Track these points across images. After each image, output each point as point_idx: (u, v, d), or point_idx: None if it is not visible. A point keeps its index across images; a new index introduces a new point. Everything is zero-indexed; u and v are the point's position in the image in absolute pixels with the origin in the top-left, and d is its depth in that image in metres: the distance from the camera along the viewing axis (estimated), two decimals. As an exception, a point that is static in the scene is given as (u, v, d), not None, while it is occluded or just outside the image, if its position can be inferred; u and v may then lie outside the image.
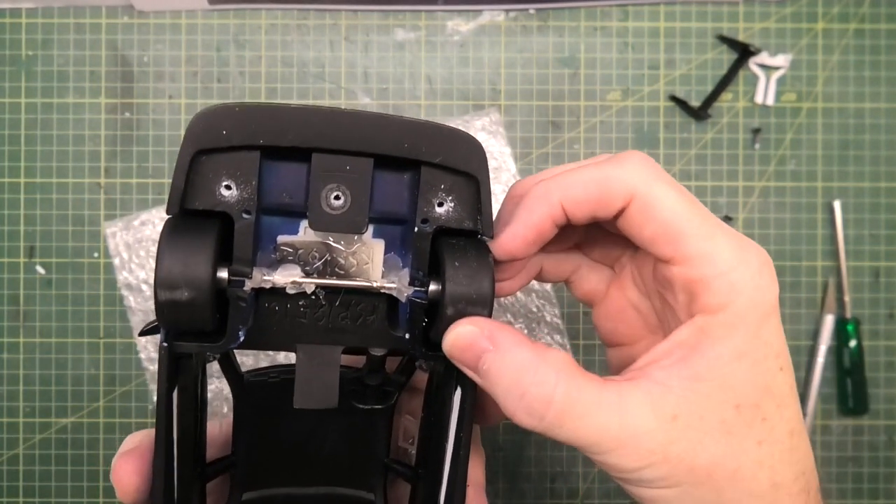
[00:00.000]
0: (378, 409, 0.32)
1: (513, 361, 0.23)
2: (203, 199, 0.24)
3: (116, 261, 0.49)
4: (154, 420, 0.26)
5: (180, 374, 0.26)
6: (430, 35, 0.50)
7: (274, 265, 0.26)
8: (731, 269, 0.24)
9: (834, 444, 0.51)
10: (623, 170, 0.25)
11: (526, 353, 0.24)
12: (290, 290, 0.25)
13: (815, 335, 0.51)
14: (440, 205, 0.26)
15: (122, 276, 0.49)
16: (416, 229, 0.26)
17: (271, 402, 0.31)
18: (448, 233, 0.26)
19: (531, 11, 0.50)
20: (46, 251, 0.49)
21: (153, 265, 0.49)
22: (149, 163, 0.49)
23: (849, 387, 0.50)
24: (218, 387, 0.49)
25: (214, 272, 0.23)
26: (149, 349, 0.49)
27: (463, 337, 0.24)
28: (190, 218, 0.24)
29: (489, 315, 0.25)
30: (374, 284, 0.26)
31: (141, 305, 0.49)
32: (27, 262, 0.49)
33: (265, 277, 0.25)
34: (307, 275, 0.26)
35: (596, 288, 0.31)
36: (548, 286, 0.50)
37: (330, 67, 0.50)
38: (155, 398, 0.48)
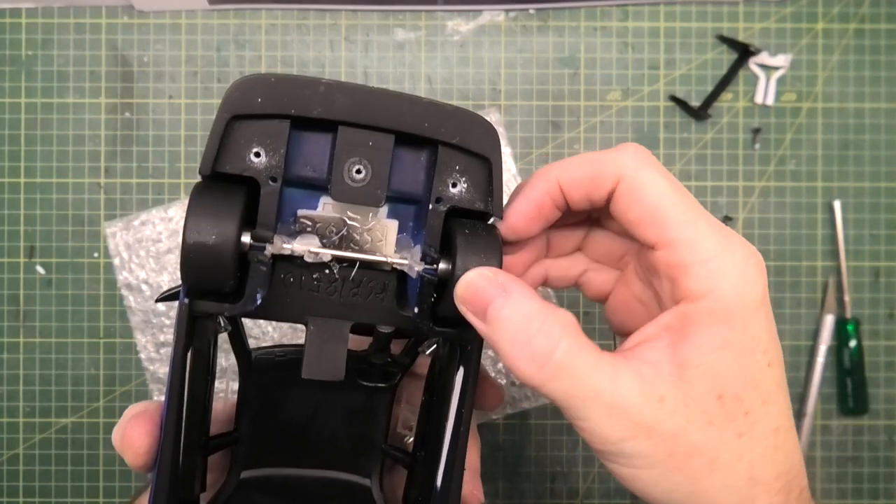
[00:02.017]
0: (380, 391, 0.33)
1: (522, 309, 0.24)
2: (233, 164, 0.25)
3: (116, 261, 0.49)
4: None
5: (196, 336, 0.26)
6: (430, 35, 0.50)
7: (293, 235, 0.27)
8: (713, 257, 0.25)
9: (834, 444, 0.51)
10: (616, 154, 0.27)
11: (536, 303, 0.24)
12: (308, 259, 0.26)
13: (815, 335, 0.51)
14: (454, 185, 0.27)
15: (122, 276, 0.49)
16: (430, 207, 0.26)
17: (277, 380, 0.32)
18: (460, 213, 0.27)
19: (531, 11, 0.50)
20: (46, 251, 0.49)
21: (153, 265, 0.49)
22: (149, 163, 0.49)
23: (849, 387, 0.50)
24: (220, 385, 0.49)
25: (240, 233, 0.24)
26: (148, 349, 0.49)
27: (476, 281, 0.25)
28: (219, 181, 0.25)
29: None
30: (388, 259, 0.27)
31: (141, 305, 0.49)
32: (27, 262, 0.49)
33: (285, 245, 0.26)
34: (324, 247, 0.27)
35: (604, 287, 0.32)
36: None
37: (330, 67, 0.50)
38: (155, 398, 0.49)
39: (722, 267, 0.24)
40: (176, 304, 0.27)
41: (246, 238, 0.25)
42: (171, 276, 0.49)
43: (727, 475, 0.24)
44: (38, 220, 0.49)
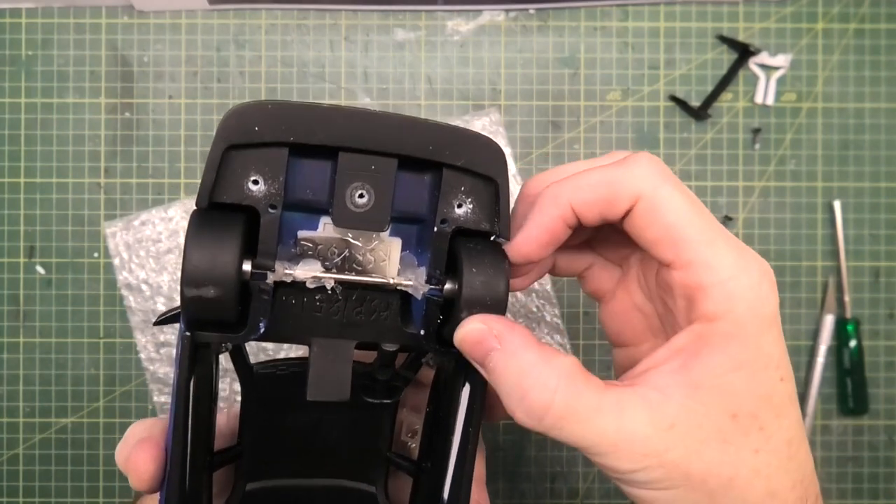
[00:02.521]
0: (384, 404, 0.32)
1: (517, 363, 0.24)
2: (231, 193, 0.24)
3: (116, 261, 0.49)
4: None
5: (198, 363, 0.26)
6: (430, 35, 0.50)
7: (294, 259, 0.26)
8: (731, 278, 0.24)
9: (834, 444, 0.51)
10: (631, 172, 0.26)
11: (531, 355, 0.24)
12: (311, 285, 0.26)
13: (815, 335, 0.51)
14: (459, 206, 0.26)
15: (122, 276, 0.49)
16: (435, 229, 0.26)
17: (279, 395, 0.32)
18: (465, 233, 0.27)
19: (531, 11, 0.50)
20: (46, 251, 0.49)
21: (153, 265, 0.49)
22: (149, 163, 0.49)
23: (849, 387, 0.50)
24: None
25: (241, 265, 0.24)
26: (148, 349, 0.49)
27: (472, 334, 0.25)
28: (216, 211, 0.24)
29: (505, 302, 0.26)
30: (392, 281, 0.26)
31: (141, 305, 0.49)
32: (27, 262, 0.49)
33: (287, 271, 0.25)
34: (326, 270, 0.26)
35: (605, 286, 0.31)
36: (548, 286, 0.50)
37: (330, 67, 0.50)
38: (154, 398, 0.49)
39: (739, 288, 0.24)
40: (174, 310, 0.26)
41: (247, 267, 0.24)
42: (171, 276, 0.49)
43: (746, 492, 0.24)
44: (38, 220, 0.49)
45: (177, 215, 0.49)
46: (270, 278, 0.25)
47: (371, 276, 0.27)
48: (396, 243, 0.27)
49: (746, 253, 0.25)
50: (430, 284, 0.26)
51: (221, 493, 0.32)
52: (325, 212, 0.26)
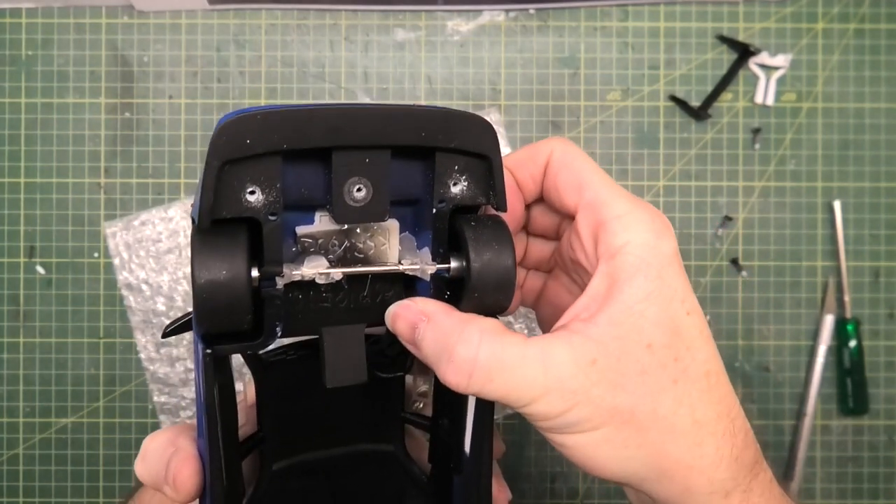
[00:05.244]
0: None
1: (441, 326, 0.26)
2: (230, 208, 0.24)
3: (116, 261, 0.49)
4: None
5: (219, 374, 0.26)
6: (430, 35, 0.50)
7: (298, 258, 0.26)
8: (627, 213, 0.27)
9: (834, 444, 0.51)
10: (547, 140, 0.30)
11: (454, 317, 0.26)
12: (320, 281, 0.26)
13: (815, 335, 0.51)
14: (455, 185, 0.27)
15: (122, 276, 0.49)
16: (434, 210, 0.27)
17: (292, 380, 0.32)
18: (462, 209, 0.27)
19: (531, 11, 0.50)
20: (46, 251, 0.49)
21: (153, 265, 0.49)
22: (149, 163, 0.49)
23: (849, 387, 0.50)
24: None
25: (250, 270, 0.24)
26: (148, 349, 0.49)
27: (398, 313, 0.27)
28: (217, 227, 0.24)
29: (514, 272, 0.27)
30: (399, 267, 0.27)
31: (141, 305, 0.49)
32: (27, 262, 0.49)
33: (295, 272, 0.25)
34: (331, 263, 0.27)
35: (536, 286, 0.34)
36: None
37: (330, 67, 0.50)
38: (155, 398, 0.48)
39: (634, 221, 0.26)
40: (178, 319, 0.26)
41: (255, 274, 0.24)
42: (170, 276, 0.49)
43: (672, 420, 0.25)
44: (38, 220, 0.49)
45: (177, 215, 0.49)
46: (280, 283, 0.25)
47: (377, 265, 0.27)
48: (394, 226, 0.27)
49: (639, 200, 0.28)
50: (436, 264, 0.27)
51: (250, 477, 0.32)
52: (321, 206, 0.26)
